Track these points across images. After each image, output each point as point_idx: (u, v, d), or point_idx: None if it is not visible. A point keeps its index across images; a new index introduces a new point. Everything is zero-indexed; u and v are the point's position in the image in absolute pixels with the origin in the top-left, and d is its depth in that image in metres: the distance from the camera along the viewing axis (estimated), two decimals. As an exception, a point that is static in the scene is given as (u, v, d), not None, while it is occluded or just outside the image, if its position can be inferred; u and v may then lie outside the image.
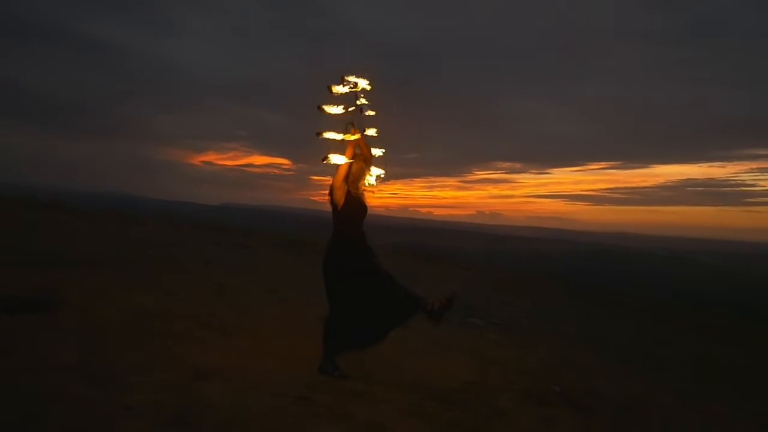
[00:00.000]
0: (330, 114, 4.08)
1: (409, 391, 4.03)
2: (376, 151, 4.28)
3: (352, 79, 4.07)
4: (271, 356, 4.36)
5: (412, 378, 4.42)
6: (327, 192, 4.22)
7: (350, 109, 4.12)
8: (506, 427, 3.66)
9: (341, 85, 4.11)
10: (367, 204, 4.26)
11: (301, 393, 3.60)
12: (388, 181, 4.35)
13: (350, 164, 4.12)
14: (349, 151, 4.14)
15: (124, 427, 2.73)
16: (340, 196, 4.12)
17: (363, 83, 4.10)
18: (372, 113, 4.18)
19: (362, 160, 4.19)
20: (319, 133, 4.10)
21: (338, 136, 4.13)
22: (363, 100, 4.15)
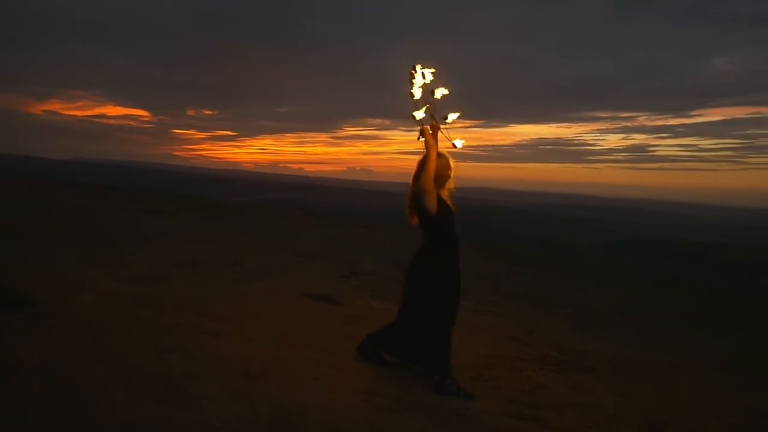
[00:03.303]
0: (419, 119, 3.72)
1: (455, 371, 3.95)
2: (452, 116, 3.70)
3: (420, 76, 3.67)
4: (297, 345, 4.06)
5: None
6: (410, 199, 3.70)
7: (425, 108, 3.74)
8: (551, 397, 3.76)
9: (415, 86, 3.70)
10: (453, 206, 3.76)
11: (362, 387, 3.40)
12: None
13: (437, 160, 3.65)
14: (432, 141, 3.66)
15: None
16: (432, 202, 3.57)
17: (428, 74, 3.70)
18: (440, 95, 3.73)
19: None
20: (414, 115, 3.72)
21: (421, 114, 3.76)
22: (440, 91, 3.70)
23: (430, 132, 3.70)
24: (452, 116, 3.68)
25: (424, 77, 3.70)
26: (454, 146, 3.72)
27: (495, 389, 3.81)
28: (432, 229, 3.66)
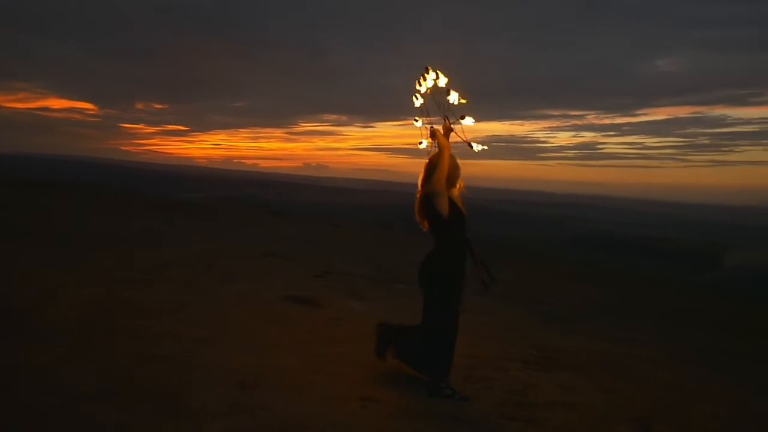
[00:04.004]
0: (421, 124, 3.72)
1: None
2: (468, 120, 3.59)
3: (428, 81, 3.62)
4: (285, 352, 3.99)
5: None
6: (419, 204, 3.61)
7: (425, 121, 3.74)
8: (541, 397, 3.82)
9: (421, 89, 3.66)
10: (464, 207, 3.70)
11: (359, 393, 3.37)
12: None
13: (448, 162, 3.57)
14: (444, 142, 3.59)
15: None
16: (444, 205, 3.48)
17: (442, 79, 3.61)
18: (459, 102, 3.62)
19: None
20: (417, 120, 3.69)
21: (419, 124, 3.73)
22: (453, 97, 3.61)
23: (443, 133, 3.64)
24: (468, 120, 3.59)
25: (434, 81, 3.62)
26: (470, 146, 3.63)
27: (486, 390, 3.84)
28: (443, 232, 3.58)
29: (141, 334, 3.79)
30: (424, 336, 3.64)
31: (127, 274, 5.52)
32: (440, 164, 3.50)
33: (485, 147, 3.63)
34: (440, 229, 3.58)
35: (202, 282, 5.81)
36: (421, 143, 3.82)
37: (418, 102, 3.71)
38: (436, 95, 3.64)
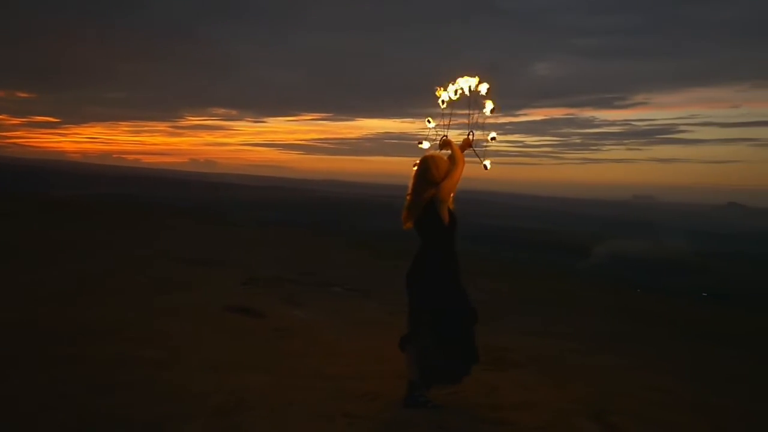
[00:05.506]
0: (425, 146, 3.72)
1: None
2: (493, 133, 3.68)
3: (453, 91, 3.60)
4: (249, 369, 3.82)
5: (398, 365, 4.26)
6: (408, 205, 3.61)
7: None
8: (506, 397, 3.97)
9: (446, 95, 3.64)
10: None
11: (340, 409, 3.31)
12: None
13: (460, 174, 3.59)
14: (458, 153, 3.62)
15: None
16: (445, 212, 3.53)
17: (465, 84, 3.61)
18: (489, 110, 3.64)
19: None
20: (430, 121, 3.66)
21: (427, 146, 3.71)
22: (488, 107, 3.62)
23: (461, 146, 3.68)
24: (493, 134, 3.66)
25: (471, 87, 3.62)
26: (485, 168, 3.72)
27: (452, 395, 3.91)
28: (439, 237, 3.63)
29: (92, 359, 3.46)
30: (440, 341, 3.61)
31: (50, 290, 4.98)
32: (453, 175, 3.57)
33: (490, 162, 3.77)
34: (437, 233, 3.63)
35: (133, 295, 5.40)
36: (421, 143, 3.83)
37: (444, 102, 3.71)
38: (470, 102, 3.66)
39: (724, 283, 40.00)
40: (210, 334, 4.51)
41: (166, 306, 5.19)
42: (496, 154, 3.56)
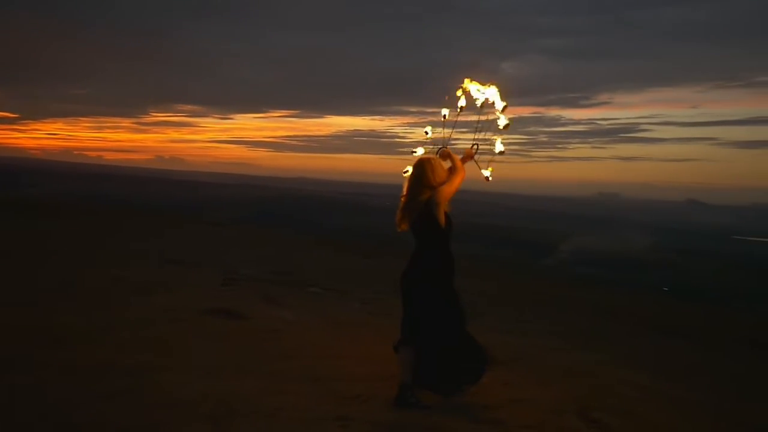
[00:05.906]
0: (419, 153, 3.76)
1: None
2: (500, 146, 3.75)
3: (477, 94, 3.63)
4: (238, 374, 3.77)
5: (386, 366, 4.25)
6: (402, 207, 3.63)
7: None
8: (494, 396, 4.01)
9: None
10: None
11: (332, 412, 3.30)
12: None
13: (460, 184, 3.63)
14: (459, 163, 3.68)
15: None
16: (442, 215, 3.57)
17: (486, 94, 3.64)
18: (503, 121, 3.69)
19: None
20: (428, 131, 3.69)
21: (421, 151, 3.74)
22: (502, 121, 3.64)
23: (462, 157, 3.73)
24: (500, 146, 3.73)
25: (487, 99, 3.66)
26: (487, 180, 3.80)
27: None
28: (436, 239, 3.66)
29: (75, 368, 3.36)
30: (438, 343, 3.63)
31: (22, 293, 4.83)
32: (453, 184, 3.61)
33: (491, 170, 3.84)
34: (434, 236, 3.66)
35: (114, 297, 5.28)
36: (415, 151, 3.85)
37: (458, 107, 3.76)
38: (481, 114, 3.71)
39: (683, 278, 41.39)
40: (194, 338, 4.44)
41: (147, 309, 5.08)
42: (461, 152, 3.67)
